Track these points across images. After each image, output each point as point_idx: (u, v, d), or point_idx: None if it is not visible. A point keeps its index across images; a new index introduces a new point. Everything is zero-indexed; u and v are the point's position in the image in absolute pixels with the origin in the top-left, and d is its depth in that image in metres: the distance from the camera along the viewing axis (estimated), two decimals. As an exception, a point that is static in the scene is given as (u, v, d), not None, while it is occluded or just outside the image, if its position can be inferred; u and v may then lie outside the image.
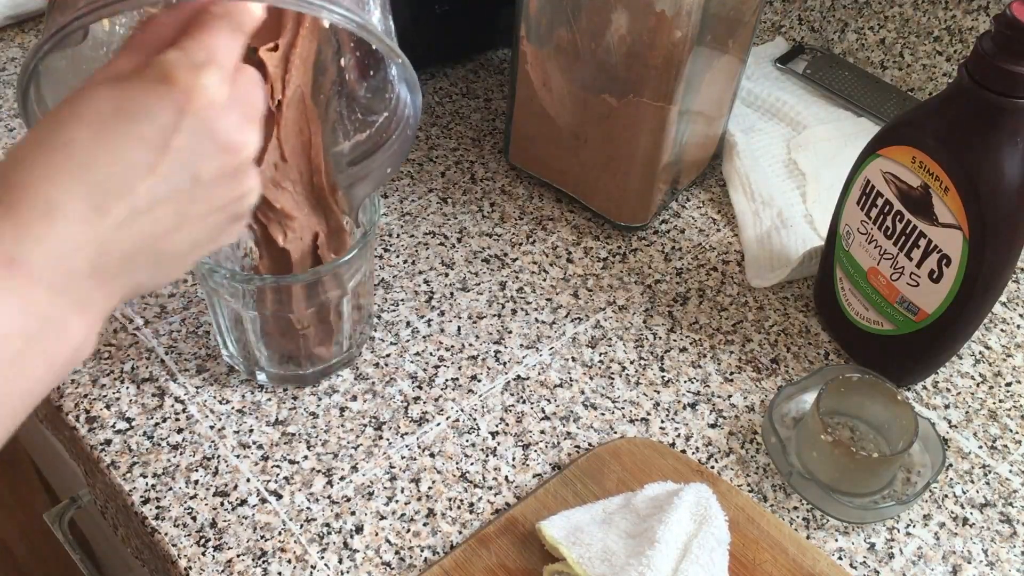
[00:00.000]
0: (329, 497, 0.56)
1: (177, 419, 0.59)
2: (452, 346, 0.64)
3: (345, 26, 0.40)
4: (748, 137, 0.79)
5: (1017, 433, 0.62)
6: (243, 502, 0.55)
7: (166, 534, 0.53)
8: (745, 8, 0.67)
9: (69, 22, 0.37)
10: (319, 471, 0.57)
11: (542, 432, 0.60)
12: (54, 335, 0.35)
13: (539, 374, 0.63)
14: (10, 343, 0.34)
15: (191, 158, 0.37)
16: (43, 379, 0.36)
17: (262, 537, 0.53)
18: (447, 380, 0.62)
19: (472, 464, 0.58)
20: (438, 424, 0.60)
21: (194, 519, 0.54)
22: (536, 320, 0.66)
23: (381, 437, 0.59)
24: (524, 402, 0.61)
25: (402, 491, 0.56)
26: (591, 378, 0.63)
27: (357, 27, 0.40)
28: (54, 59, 0.42)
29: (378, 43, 0.42)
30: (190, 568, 0.52)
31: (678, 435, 0.60)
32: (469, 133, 0.81)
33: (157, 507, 0.54)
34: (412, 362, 0.63)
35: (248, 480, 0.56)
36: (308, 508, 0.55)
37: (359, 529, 0.54)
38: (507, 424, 0.60)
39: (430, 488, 0.56)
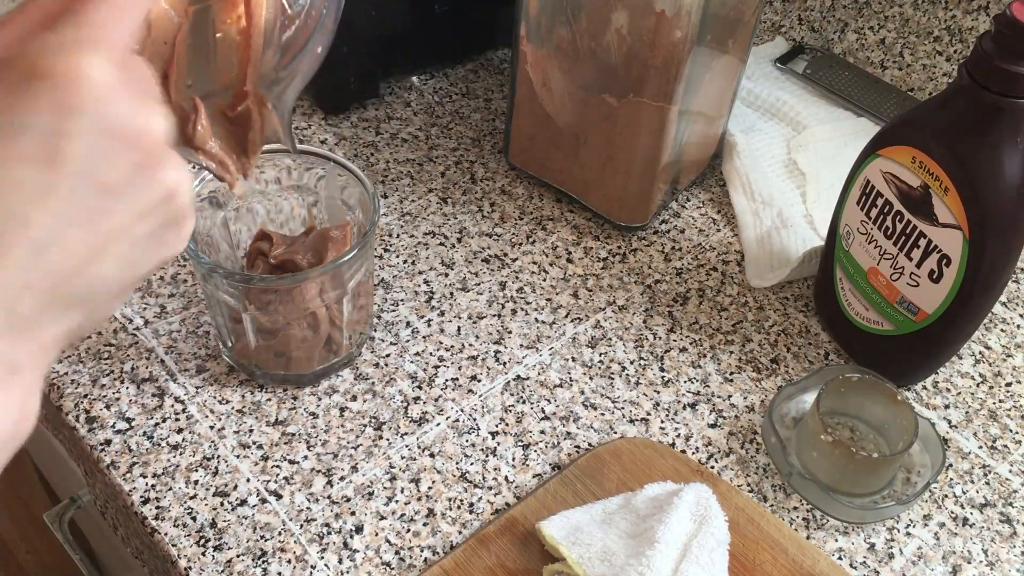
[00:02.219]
0: (329, 497, 0.56)
1: (177, 419, 0.59)
2: (452, 346, 0.64)
3: None
4: (748, 137, 0.79)
5: (1017, 433, 0.62)
6: (243, 502, 0.55)
7: (166, 534, 0.53)
8: (745, 8, 0.67)
9: None
10: (319, 471, 0.57)
11: (542, 432, 0.60)
12: None
13: (539, 374, 0.63)
14: None
15: (91, 164, 0.30)
16: None
17: (262, 537, 0.53)
18: (447, 380, 0.62)
19: (472, 464, 0.58)
20: (438, 424, 0.60)
21: (194, 519, 0.54)
22: (536, 320, 0.66)
23: (381, 437, 0.59)
24: (524, 402, 0.61)
25: (402, 491, 0.56)
26: (591, 378, 0.63)
27: None
28: None
29: None
30: (190, 568, 0.52)
31: (678, 435, 0.60)
32: (469, 133, 0.81)
33: (157, 507, 0.54)
34: (412, 362, 0.63)
35: (248, 480, 0.56)
36: (308, 508, 0.55)
37: (359, 529, 0.54)
38: (507, 424, 0.60)
39: (430, 488, 0.56)
